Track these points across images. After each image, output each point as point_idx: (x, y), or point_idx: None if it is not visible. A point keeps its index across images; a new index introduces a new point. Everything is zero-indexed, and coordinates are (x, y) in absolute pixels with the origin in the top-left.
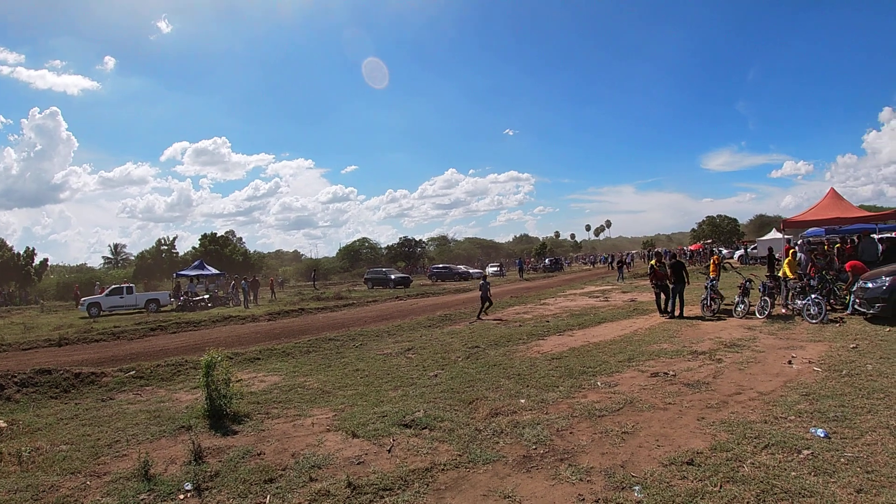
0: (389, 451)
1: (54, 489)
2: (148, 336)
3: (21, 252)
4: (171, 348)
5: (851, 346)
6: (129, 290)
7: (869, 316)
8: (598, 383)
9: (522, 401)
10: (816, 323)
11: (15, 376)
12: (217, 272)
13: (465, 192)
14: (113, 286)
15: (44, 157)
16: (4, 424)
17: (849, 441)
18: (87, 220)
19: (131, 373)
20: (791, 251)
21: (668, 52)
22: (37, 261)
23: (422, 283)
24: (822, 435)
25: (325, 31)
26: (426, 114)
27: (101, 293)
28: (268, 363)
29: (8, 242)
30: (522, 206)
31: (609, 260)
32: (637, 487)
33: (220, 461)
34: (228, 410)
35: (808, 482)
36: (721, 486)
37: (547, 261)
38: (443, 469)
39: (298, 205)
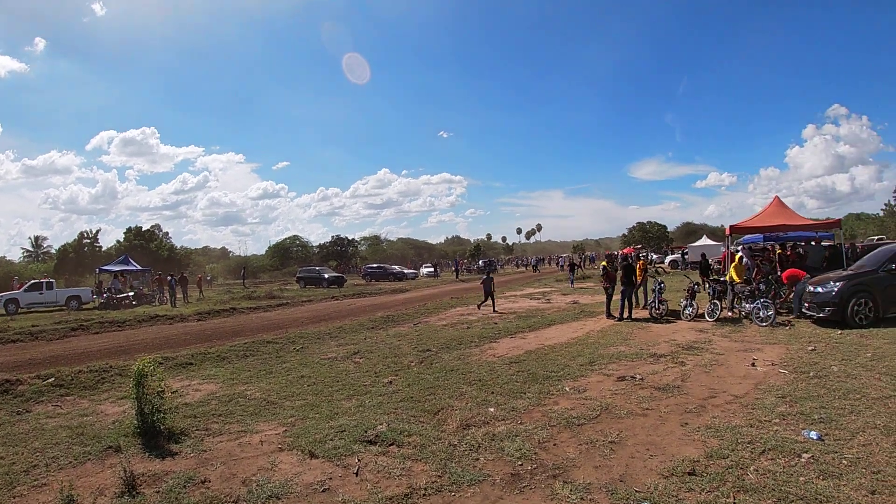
0: (357, 473)
1: None
2: (69, 336)
3: None
4: (93, 351)
5: (809, 348)
6: (49, 286)
7: (816, 319)
8: (567, 388)
9: (491, 409)
10: (766, 326)
11: None
12: (142, 268)
13: (398, 192)
14: (32, 281)
15: None
16: None
17: (843, 443)
18: (7, 211)
19: (50, 380)
20: (738, 256)
21: (601, 65)
22: None
23: (356, 283)
24: (815, 437)
25: (260, 24)
26: (361, 112)
27: (18, 288)
28: (202, 369)
29: None
30: (454, 208)
31: (534, 263)
32: (645, 503)
33: (157, 492)
34: (163, 427)
35: (819, 486)
36: (734, 498)
37: (481, 262)
38: (424, 494)
39: (227, 200)
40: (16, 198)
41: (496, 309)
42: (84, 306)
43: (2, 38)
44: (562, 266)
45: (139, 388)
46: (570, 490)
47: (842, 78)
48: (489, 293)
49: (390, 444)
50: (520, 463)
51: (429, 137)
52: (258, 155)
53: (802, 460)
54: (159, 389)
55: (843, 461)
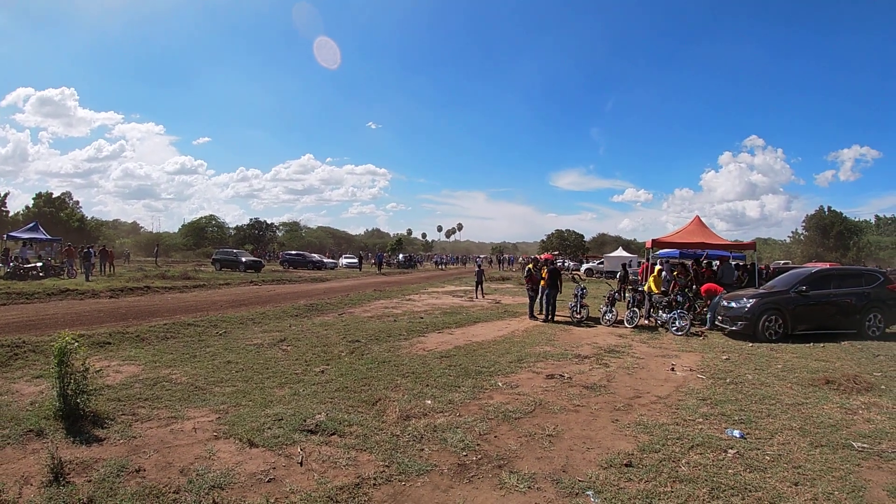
0: (301, 463)
1: None
2: None
3: None
4: (0, 324)
5: (724, 357)
6: None
7: (728, 332)
8: (499, 384)
9: (429, 402)
10: (681, 335)
11: None
12: (52, 238)
13: (320, 179)
14: None
15: None
16: None
17: (764, 441)
18: None
19: None
20: (658, 269)
21: (532, 76)
22: None
23: (273, 269)
24: (738, 435)
25: None
26: (290, 95)
27: None
28: (120, 349)
29: None
30: (376, 201)
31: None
32: (590, 492)
33: (89, 480)
34: (87, 410)
35: (747, 478)
36: (671, 487)
37: (401, 257)
38: (374, 484)
39: (142, 172)
40: None
41: (478, 296)
42: None
43: None
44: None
45: (61, 366)
46: (517, 479)
47: (762, 111)
48: (480, 282)
49: (332, 434)
50: (464, 454)
51: (357, 127)
52: (179, 128)
53: (729, 455)
54: (83, 368)
55: (766, 457)
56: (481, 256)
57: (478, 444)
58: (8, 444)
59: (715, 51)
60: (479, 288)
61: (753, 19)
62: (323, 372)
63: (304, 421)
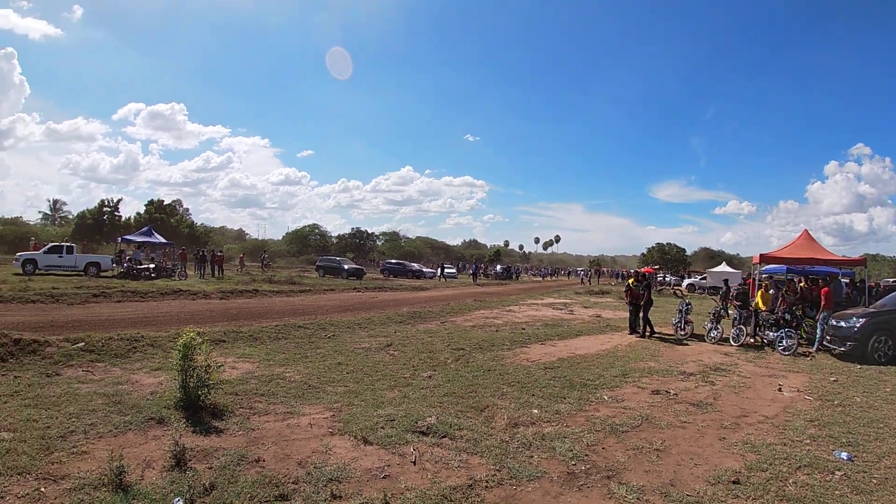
0: (414, 462)
1: None
2: (90, 302)
3: None
4: (118, 319)
5: (832, 379)
6: (70, 250)
7: (837, 353)
8: (605, 397)
9: (535, 411)
10: (788, 355)
11: None
12: (165, 241)
13: (419, 191)
14: (52, 244)
15: None
16: None
17: (871, 464)
18: (26, 172)
19: (80, 344)
20: (765, 285)
21: (631, 85)
22: None
23: (374, 277)
24: (846, 458)
25: (297, 12)
26: (390, 108)
27: (36, 249)
28: (235, 347)
29: None
30: (473, 212)
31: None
32: None
33: (210, 468)
34: (207, 402)
35: (854, 500)
36: None
37: (499, 268)
38: (486, 486)
39: (248, 182)
40: (36, 160)
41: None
42: (102, 273)
43: (40, 3)
44: (582, 278)
45: (185, 360)
46: (626, 490)
47: (868, 118)
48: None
49: (443, 437)
50: (573, 463)
51: (455, 139)
52: (283, 141)
53: (836, 477)
54: (205, 363)
55: (873, 480)
56: (580, 270)
57: (586, 455)
58: (130, 429)
59: (817, 57)
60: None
61: (856, 26)
62: (430, 377)
63: (416, 423)
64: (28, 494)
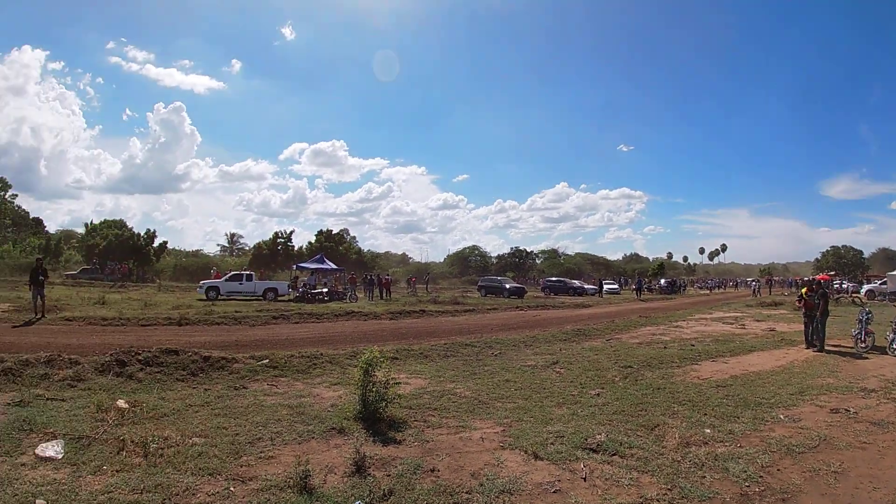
0: (585, 479)
1: (189, 493)
2: (270, 324)
3: (142, 233)
4: (296, 338)
5: None
6: (249, 278)
7: None
8: (781, 416)
9: (708, 430)
10: None
11: (139, 354)
12: (336, 267)
13: (575, 206)
14: (232, 272)
15: (167, 149)
16: (126, 405)
17: None
18: (204, 210)
19: (264, 361)
20: None
21: (787, 74)
22: (156, 243)
23: (535, 296)
24: None
25: (441, 40)
26: (540, 126)
27: (217, 277)
28: (407, 364)
29: (128, 224)
30: (632, 225)
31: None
32: None
33: (387, 475)
34: (385, 415)
35: None
36: None
37: (663, 282)
38: None
39: (408, 209)
40: (212, 199)
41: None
42: (279, 298)
43: (203, 60)
44: (754, 289)
45: (366, 375)
46: None
47: None
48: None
49: (612, 454)
50: (747, 484)
51: (608, 151)
52: (439, 167)
53: None
54: (385, 379)
55: None
56: (751, 280)
57: (760, 476)
58: (313, 438)
59: None
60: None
61: None
62: (598, 395)
63: (586, 440)
64: (218, 493)
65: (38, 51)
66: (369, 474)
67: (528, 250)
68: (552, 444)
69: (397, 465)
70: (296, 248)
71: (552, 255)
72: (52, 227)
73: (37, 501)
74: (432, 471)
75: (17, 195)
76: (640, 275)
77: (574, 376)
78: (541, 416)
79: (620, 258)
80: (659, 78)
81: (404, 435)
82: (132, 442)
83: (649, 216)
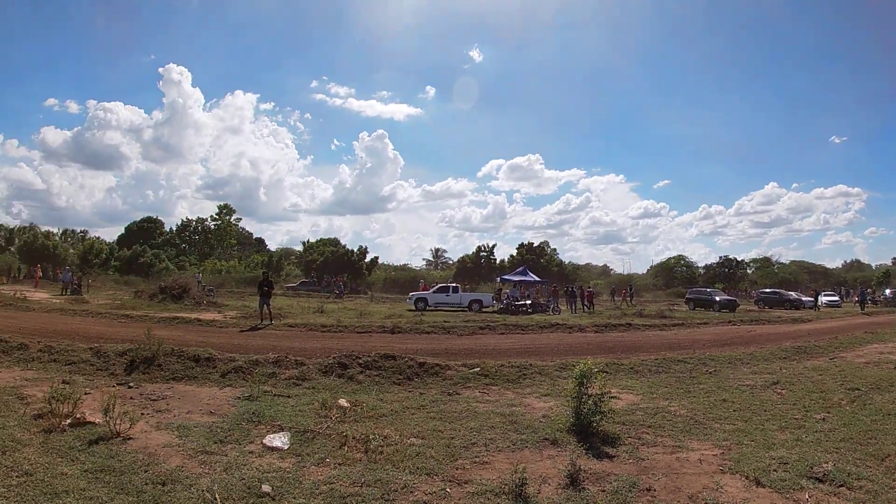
0: None
1: (407, 490)
2: (476, 334)
3: (355, 249)
4: (503, 349)
5: None
6: (455, 290)
7: None
8: None
9: None
10: None
11: (359, 358)
12: (539, 279)
13: (787, 208)
14: (439, 284)
15: (373, 173)
16: (347, 404)
17: None
18: (409, 227)
19: (476, 369)
20: None
21: None
22: (368, 258)
23: (748, 309)
24: None
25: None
26: (742, 122)
27: (424, 290)
28: (617, 379)
29: (341, 241)
30: (851, 227)
31: None
32: None
33: (602, 490)
34: (598, 429)
35: None
36: None
37: (888, 292)
38: None
39: (608, 219)
40: (416, 217)
41: None
42: (484, 309)
43: (399, 90)
44: None
45: (580, 388)
46: None
47: None
48: None
49: (840, 486)
50: None
51: (818, 144)
52: (638, 174)
53: None
54: (600, 392)
55: None
56: None
57: None
58: (526, 447)
59: None
60: None
61: None
62: (824, 419)
63: (811, 468)
64: (435, 493)
65: (250, 94)
66: (584, 488)
67: (738, 259)
68: (775, 470)
69: (612, 480)
70: (497, 261)
71: (764, 263)
72: (272, 245)
73: (263, 486)
74: (648, 490)
75: (240, 218)
76: (863, 284)
77: (796, 398)
78: (762, 440)
79: (840, 265)
80: (870, 55)
81: (618, 451)
82: (354, 438)
83: (869, 216)
